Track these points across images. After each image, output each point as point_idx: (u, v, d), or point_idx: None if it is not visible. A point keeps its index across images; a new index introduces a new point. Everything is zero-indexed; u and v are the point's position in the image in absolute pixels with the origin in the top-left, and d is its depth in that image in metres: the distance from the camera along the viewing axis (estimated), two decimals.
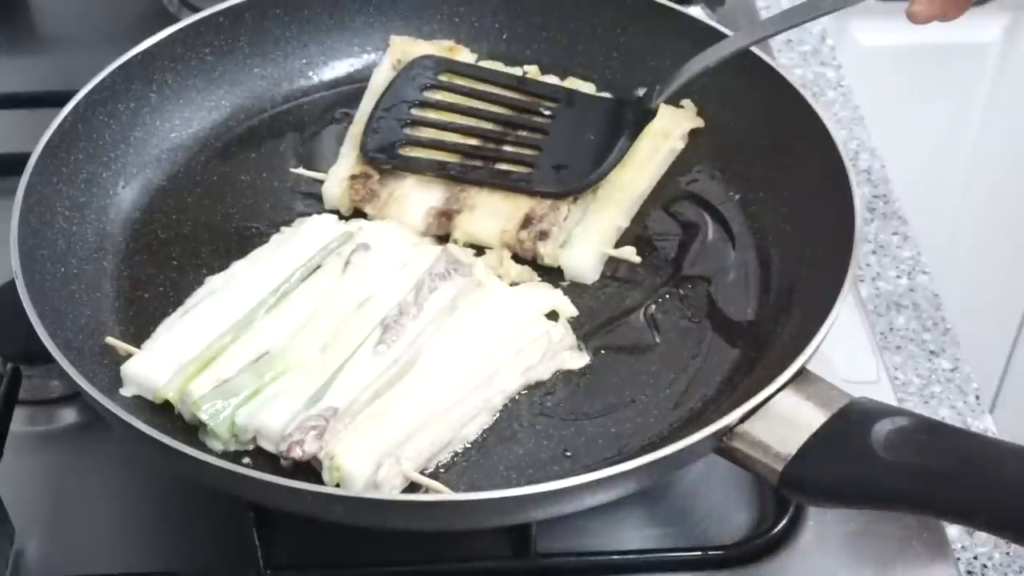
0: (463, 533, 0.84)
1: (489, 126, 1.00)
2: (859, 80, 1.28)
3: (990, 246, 1.73)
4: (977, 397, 0.97)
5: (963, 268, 1.66)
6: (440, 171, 0.97)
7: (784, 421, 0.75)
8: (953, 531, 0.87)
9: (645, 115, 0.97)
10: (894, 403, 0.93)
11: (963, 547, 0.87)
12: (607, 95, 1.03)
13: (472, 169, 0.97)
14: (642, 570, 0.83)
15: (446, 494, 0.76)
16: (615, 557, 0.83)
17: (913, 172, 1.34)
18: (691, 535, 0.84)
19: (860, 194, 0.88)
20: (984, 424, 0.95)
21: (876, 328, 1.01)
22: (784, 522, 0.84)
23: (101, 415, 0.77)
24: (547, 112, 1.00)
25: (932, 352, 1.00)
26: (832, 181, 0.89)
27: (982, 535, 0.87)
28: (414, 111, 1.01)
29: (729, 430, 0.75)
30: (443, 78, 1.03)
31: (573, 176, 0.96)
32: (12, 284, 0.81)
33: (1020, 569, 0.86)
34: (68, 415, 0.92)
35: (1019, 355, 1.80)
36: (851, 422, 0.74)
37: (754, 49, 0.98)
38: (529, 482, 0.79)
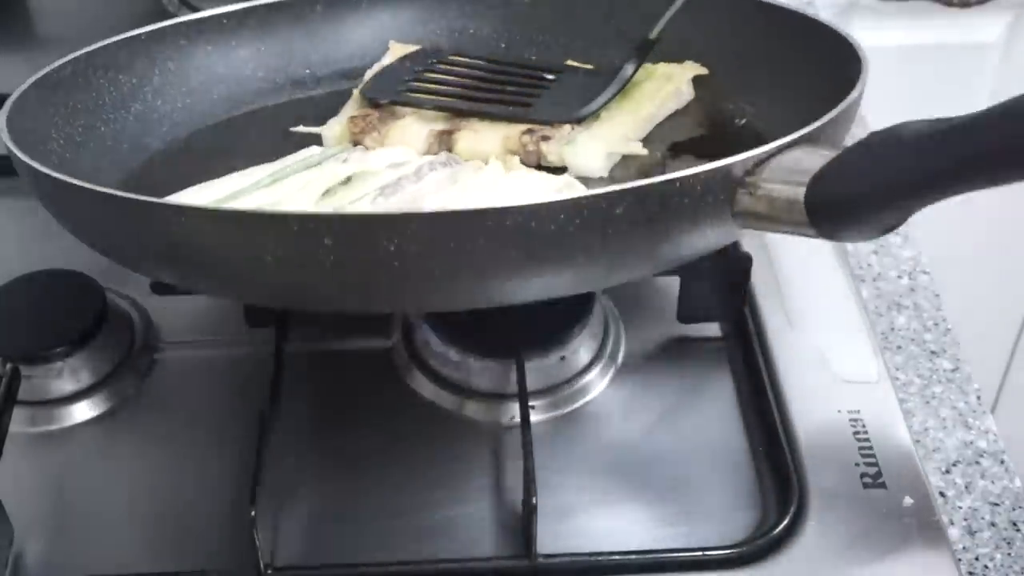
0: (463, 533, 0.83)
1: (494, 75, 1.01)
2: None
3: (991, 245, 1.73)
4: (978, 397, 0.97)
5: (964, 268, 1.66)
6: (439, 105, 0.98)
7: (806, 154, 0.74)
8: (954, 532, 0.87)
9: (644, 44, 0.97)
10: (895, 404, 0.93)
11: (964, 548, 0.87)
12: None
13: (471, 101, 0.98)
14: (642, 570, 0.82)
15: None
16: (615, 557, 0.83)
17: None
18: (691, 535, 0.84)
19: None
20: (985, 424, 0.95)
21: (876, 328, 1.01)
22: (785, 522, 0.84)
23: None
24: (551, 77, 1.01)
25: (933, 352, 1.00)
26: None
27: (984, 535, 0.87)
28: (417, 69, 1.02)
29: (754, 165, 0.73)
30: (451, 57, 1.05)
31: (575, 107, 0.96)
32: (12, 284, 0.81)
33: (1022, 570, 0.86)
34: (68, 415, 0.92)
35: (1020, 355, 1.80)
36: (874, 137, 0.72)
37: None
38: None
